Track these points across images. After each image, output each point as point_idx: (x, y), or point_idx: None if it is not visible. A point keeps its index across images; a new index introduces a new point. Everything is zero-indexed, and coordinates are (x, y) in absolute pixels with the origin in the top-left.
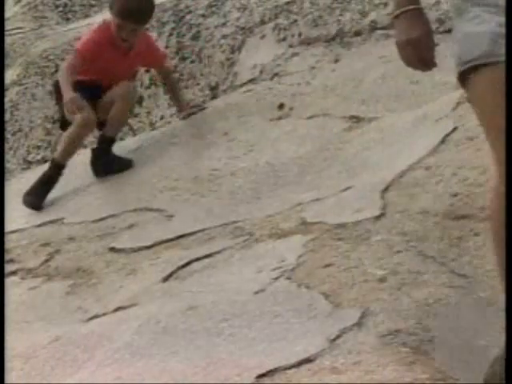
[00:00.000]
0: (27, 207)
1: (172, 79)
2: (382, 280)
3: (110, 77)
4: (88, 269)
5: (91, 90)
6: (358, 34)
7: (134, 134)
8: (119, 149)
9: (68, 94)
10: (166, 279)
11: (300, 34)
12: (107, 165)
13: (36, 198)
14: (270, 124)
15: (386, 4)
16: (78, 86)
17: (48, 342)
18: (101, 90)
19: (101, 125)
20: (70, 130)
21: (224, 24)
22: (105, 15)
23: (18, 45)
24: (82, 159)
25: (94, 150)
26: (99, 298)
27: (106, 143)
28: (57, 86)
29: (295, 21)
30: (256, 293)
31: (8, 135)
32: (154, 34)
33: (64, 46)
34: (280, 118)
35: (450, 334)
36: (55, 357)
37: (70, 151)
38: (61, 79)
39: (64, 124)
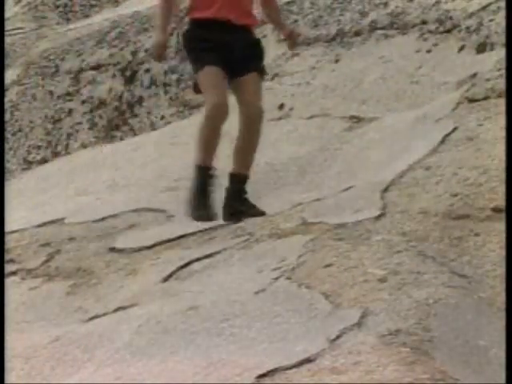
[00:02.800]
0: (200, 221)
1: (276, 11)
2: (382, 280)
3: (235, 9)
4: (88, 269)
5: (218, 44)
6: (358, 34)
7: (134, 134)
8: (121, 148)
9: (157, 35)
10: (166, 279)
11: (299, 34)
12: (239, 211)
13: (202, 210)
14: (270, 124)
15: (385, 4)
16: (198, 32)
17: (48, 341)
18: (230, 38)
19: None
20: (201, 124)
21: None
22: (105, 15)
23: (18, 45)
24: (81, 159)
25: (226, 190)
26: (99, 298)
27: (236, 182)
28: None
29: (295, 21)
30: (256, 293)
31: (8, 135)
32: (153, 34)
33: (64, 46)
34: (280, 118)
35: (450, 334)
36: (55, 357)
37: (208, 150)
38: (156, 11)
39: (197, 86)
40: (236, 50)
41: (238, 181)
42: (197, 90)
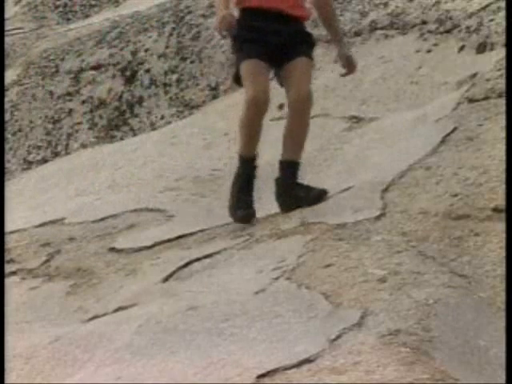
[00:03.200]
0: (241, 223)
1: (330, 12)
2: (382, 280)
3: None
4: (88, 269)
5: (267, 34)
6: (358, 34)
7: (134, 134)
8: (121, 148)
9: (222, 10)
10: (166, 279)
11: None
12: (297, 197)
13: (244, 210)
14: (270, 124)
15: (386, 4)
16: (247, 22)
17: (48, 342)
18: (280, 28)
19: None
20: (242, 114)
21: None
22: (105, 15)
23: (18, 45)
24: (81, 159)
25: (277, 180)
26: (99, 298)
27: (289, 170)
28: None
29: None
30: (256, 293)
31: (8, 135)
32: (153, 34)
33: (64, 46)
34: (280, 118)
35: (450, 334)
36: (55, 357)
37: (251, 139)
38: None
39: (236, 76)
40: (285, 39)
41: (290, 168)
42: (237, 80)
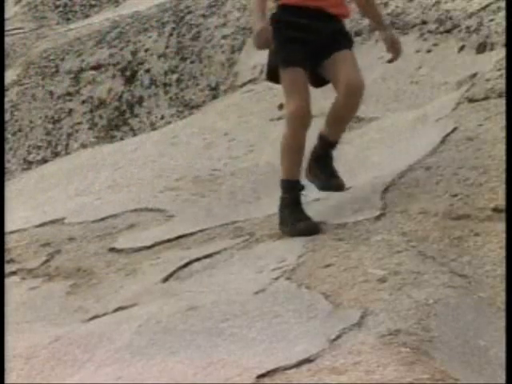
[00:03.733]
0: (306, 235)
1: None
2: (382, 280)
3: None
4: (88, 269)
5: (306, 32)
6: (358, 34)
7: (134, 134)
8: (121, 148)
9: (258, 22)
10: (166, 279)
11: None
12: (326, 179)
13: (305, 221)
14: (270, 124)
15: (386, 4)
16: (286, 19)
17: (48, 342)
18: (320, 26)
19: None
20: (285, 130)
21: (224, 24)
22: (105, 15)
23: (18, 45)
24: (81, 159)
25: (312, 154)
26: (99, 298)
27: (327, 147)
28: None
29: None
30: (256, 293)
31: (8, 135)
32: (153, 34)
33: (64, 46)
34: (280, 118)
35: (450, 333)
36: (55, 357)
37: (295, 162)
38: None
39: (272, 73)
40: (325, 37)
41: (327, 145)
42: (272, 77)
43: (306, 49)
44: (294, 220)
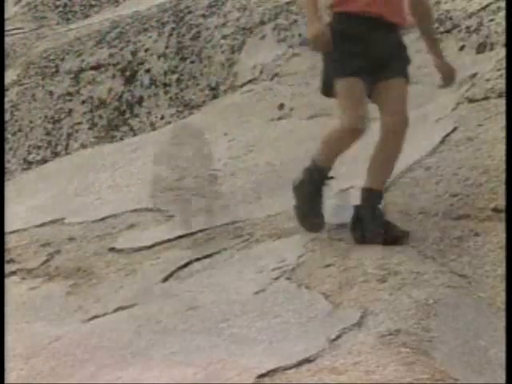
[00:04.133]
0: (312, 232)
1: (429, 19)
2: (382, 280)
3: (388, 4)
4: (88, 269)
5: (364, 43)
6: None
7: (134, 134)
8: (121, 148)
9: (312, 24)
10: (166, 279)
11: (300, 34)
12: (375, 232)
13: (315, 219)
14: (270, 124)
15: None
16: (344, 27)
17: (48, 342)
18: (379, 37)
19: None
20: (334, 134)
21: (224, 24)
22: (105, 15)
23: (18, 45)
24: (81, 159)
25: (357, 208)
26: (99, 298)
27: (371, 199)
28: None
29: (295, 21)
30: (256, 293)
31: (8, 135)
32: (153, 34)
33: (64, 46)
34: (280, 118)
35: (450, 334)
36: (55, 357)
37: (332, 153)
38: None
39: (327, 88)
40: (385, 51)
41: (371, 197)
42: (328, 92)
43: (365, 62)
44: (307, 214)
